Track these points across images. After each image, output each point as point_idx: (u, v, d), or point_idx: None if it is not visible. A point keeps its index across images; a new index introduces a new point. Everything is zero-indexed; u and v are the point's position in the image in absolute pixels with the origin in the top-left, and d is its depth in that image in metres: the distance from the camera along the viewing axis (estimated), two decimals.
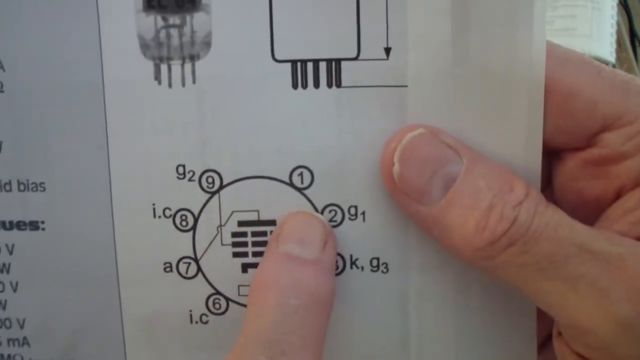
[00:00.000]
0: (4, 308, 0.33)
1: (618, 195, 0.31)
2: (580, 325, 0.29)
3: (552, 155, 0.33)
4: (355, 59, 0.31)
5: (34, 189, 0.32)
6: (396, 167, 0.31)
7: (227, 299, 0.33)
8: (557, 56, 0.31)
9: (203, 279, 0.32)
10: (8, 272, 0.33)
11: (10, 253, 0.33)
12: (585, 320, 0.29)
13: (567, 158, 0.32)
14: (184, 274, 0.32)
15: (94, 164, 0.32)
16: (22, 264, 0.33)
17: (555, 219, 0.29)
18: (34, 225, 0.32)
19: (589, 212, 0.32)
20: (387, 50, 0.31)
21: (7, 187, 0.32)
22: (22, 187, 0.32)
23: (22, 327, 0.33)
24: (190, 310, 0.33)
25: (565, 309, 0.29)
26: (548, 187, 0.33)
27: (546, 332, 0.33)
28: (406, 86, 0.31)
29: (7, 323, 0.33)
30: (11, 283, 0.33)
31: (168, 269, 0.32)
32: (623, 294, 0.28)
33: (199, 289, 0.33)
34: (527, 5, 0.30)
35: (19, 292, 0.33)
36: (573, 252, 0.29)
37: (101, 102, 0.31)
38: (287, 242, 0.31)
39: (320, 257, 0.31)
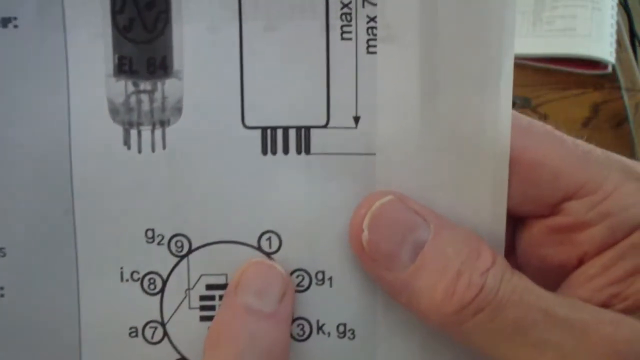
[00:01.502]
0: None
1: (581, 262, 0.32)
2: None
3: (516, 220, 0.34)
4: (325, 126, 0.32)
5: None
6: (365, 234, 0.31)
7: None
8: (522, 126, 0.32)
9: (169, 344, 0.33)
10: None
11: None
12: None
13: (532, 225, 0.33)
14: (150, 339, 0.33)
15: (59, 228, 0.32)
16: None
17: (521, 285, 0.30)
18: None
19: (553, 278, 0.33)
20: (356, 119, 0.32)
21: None
22: None
23: None
24: None
25: None
26: (512, 252, 0.34)
27: None
28: (374, 154, 0.32)
29: None
30: None
31: (133, 334, 0.33)
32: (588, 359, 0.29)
33: (165, 355, 0.33)
34: (494, 76, 0.31)
35: None
36: (539, 318, 0.30)
37: (67, 165, 0.32)
38: (245, 293, 0.32)
39: (277, 309, 0.32)
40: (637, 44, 1.15)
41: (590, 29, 1.01)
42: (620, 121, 0.93)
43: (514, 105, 0.85)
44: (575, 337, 0.29)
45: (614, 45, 1.01)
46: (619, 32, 1.04)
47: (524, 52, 0.97)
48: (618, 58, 1.01)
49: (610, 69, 0.98)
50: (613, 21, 1.03)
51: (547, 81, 0.97)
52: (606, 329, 0.29)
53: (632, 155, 0.88)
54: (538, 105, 0.93)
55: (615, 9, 1.05)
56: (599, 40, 1.00)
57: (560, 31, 1.01)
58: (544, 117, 0.92)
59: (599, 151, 0.32)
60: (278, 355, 0.31)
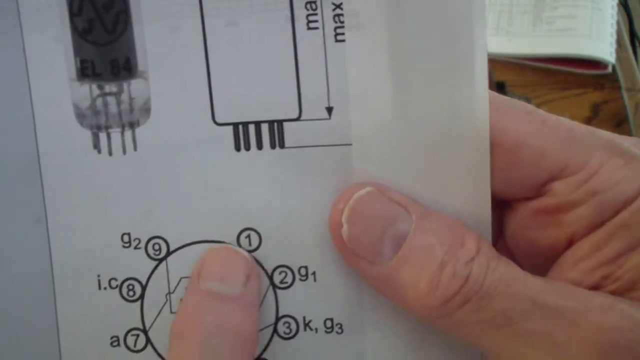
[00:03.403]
0: None
1: (570, 243, 0.30)
2: None
3: (503, 204, 0.32)
4: (298, 119, 0.30)
5: None
6: (345, 228, 0.30)
7: None
8: (501, 108, 0.30)
9: (152, 351, 0.32)
10: None
11: None
12: None
13: (518, 208, 0.31)
14: (132, 347, 0.31)
15: (32, 238, 0.31)
16: None
17: (508, 273, 0.28)
18: None
19: (542, 261, 0.31)
20: (329, 110, 0.30)
21: None
22: None
23: None
24: None
25: None
26: (500, 236, 0.33)
27: None
28: (350, 144, 0.31)
29: None
30: None
31: (115, 343, 0.31)
32: (580, 349, 0.27)
33: None
34: (467, 60, 0.30)
35: None
36: (527, 308, 0.28)
37: (37, 174, 0.30)
38: (209, 279, 0.30)
39: (242, 292, 0.30)
40: (637, 44, 1.14)
41: (590, 29, 1.00)
42: (620, 121, 0.92)
43: None
44: (565, 326, 0.28)
45: (614, 45, 0.99)
46: (619, 32, 1.03)
47: (524, 52, 0.96)
48: (618, 58, 1.00)
49: (610, 69, 0.97)
50: (613, 21, 1.02)
51: (547, 81, 0.95)
52: (596, 316, 0.28)
53: None
54: (538, 105, 0.91)
55: (615, 9, 1.03)
56: (599, 40, 0.99)
57: (560, 31, 1.00)
58: None
59: (582, 128, 0.30)
60: (246, 339, 0.30)
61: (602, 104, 0.95)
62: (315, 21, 0.30)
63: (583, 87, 0.97)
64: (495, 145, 0.30)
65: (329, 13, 0.30)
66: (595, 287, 0.29)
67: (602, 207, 0.29)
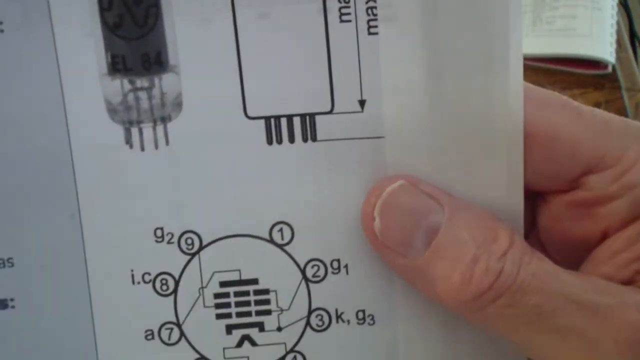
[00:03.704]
0: None
1: (604, 237, 0.30)
2: None
3: (536, 196, 0.32)
4: (330, 112, 0.30)
5: (2, 265, 0.31)
6: (377, 222, 0.30)
7: None
8: (536, 99, 0.30)
9: (187, 344, 0.31)
10: None
11: None
12: None
13: (552, 200, 0.31)
14: (167, 341, 0.31)
15: (66, 234, 0.31)
16: None
17: (541, 268, 0.28)
18: (3, 304, 0.31)
19: (575, 254, 0.31)
20: (362, 103, 0.30)
21: None
22: None
23: None
24: None
25: None
26: (532, 229, 0.32)
27: None
28: (383, 137, 0.30)
29: None
30: None
31: (150, 337, 0.31)
32: (612, 345, 0.27)
33: (184, 355, 0.32)
34: (501, 51, 0.30)
35: None
36: (560, 304, 0.28)
37: (70, 169, 0.30)
38: None
39: None
40: (637, 44, 1.14)
41: (590, 29, 0.99)
42: None
43: None
44: (599, 323, 0.28)
45: (614, 45, 0.99)
46: (619, 32, 1.03)
47: (524, 52, 0.96)
48: (618, 58, 0.99)
49: (610, 69, 0.97)
50: (613, 21, 1.01)
51: (547, 81, 0.95)
52: (631, 314, 0.28)
53: None
54: None
55: (615, 9, 1.03)
56: (599, 40, 0.99)
57: (560, 31, 1.00)
58: None
59: (618, 120, 0.30)
60: None
61: (602, 104, 0.95)
62: (348, 14, 0.30)
63: (583, 87, 0.96)
64: (529, 137, 0.30)
65: (362, 5, 0.30)
66: (629, 282, 0.29)
67: (637, 201, 0.29)
